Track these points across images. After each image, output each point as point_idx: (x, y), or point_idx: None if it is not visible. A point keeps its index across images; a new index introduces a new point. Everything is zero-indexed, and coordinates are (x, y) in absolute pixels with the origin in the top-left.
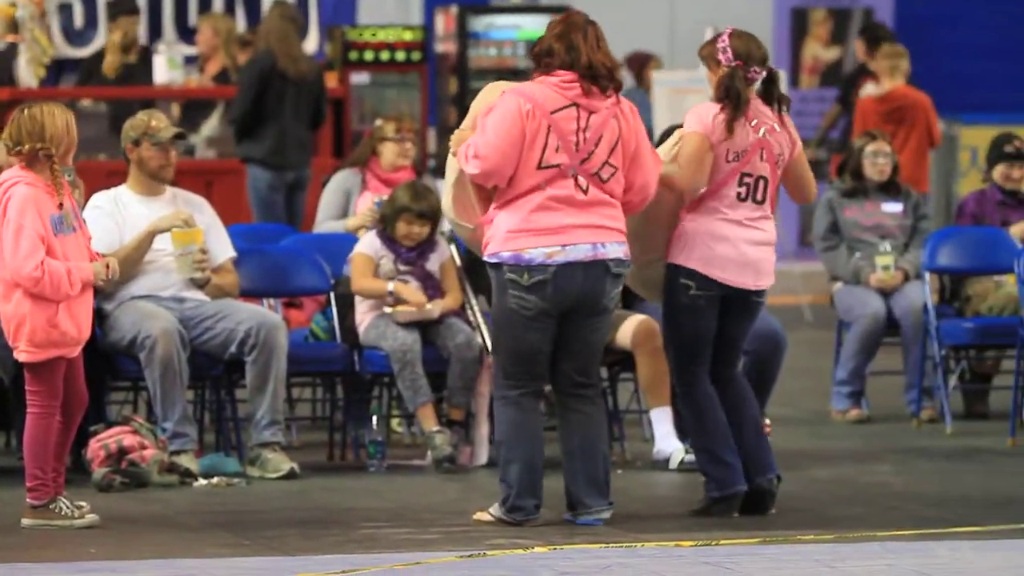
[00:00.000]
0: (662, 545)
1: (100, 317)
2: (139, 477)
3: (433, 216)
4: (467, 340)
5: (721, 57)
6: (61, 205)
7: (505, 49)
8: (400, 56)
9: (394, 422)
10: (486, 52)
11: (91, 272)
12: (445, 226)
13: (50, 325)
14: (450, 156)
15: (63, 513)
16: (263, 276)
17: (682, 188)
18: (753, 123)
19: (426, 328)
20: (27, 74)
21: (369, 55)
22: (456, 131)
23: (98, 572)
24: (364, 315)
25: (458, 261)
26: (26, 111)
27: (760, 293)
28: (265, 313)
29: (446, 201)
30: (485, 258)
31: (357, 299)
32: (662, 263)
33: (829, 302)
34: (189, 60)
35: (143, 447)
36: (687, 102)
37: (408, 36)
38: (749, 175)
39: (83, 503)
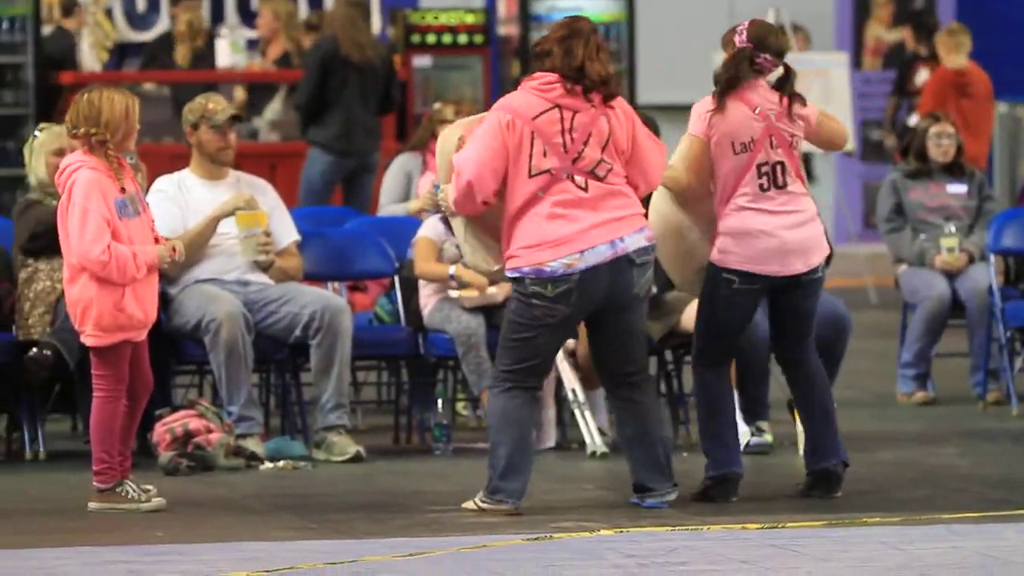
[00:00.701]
0: (728, 528)
1: (165, 301)
2: (205, 461)
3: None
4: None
5: (736, 39)
6: (123, 189)
7: None
8: (462, 39)
9: (459, 405)
10: None
11: (156, 255)
12: None
13: (116, 309)
14: (452, 220)
15: (130, 497)
16: (327, 259)
17: (680, 189)
18: (756, 110)
19: (490, 311)
20: (90, 58)
21: (431, 38)
22: (440, 192)
23: (165, 555)
24: (428, 298)
25: None
26: (86, 96)
27: (814, 270)
28: (330, 296)
29: (467, 256)
30: (507, 273)
31: (421, 282)
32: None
33: (894, 284)
34: (251, 44)
35: (209, 431)
36: None
37: (470, 19)
38: (765, 163)
39: (149, 486)
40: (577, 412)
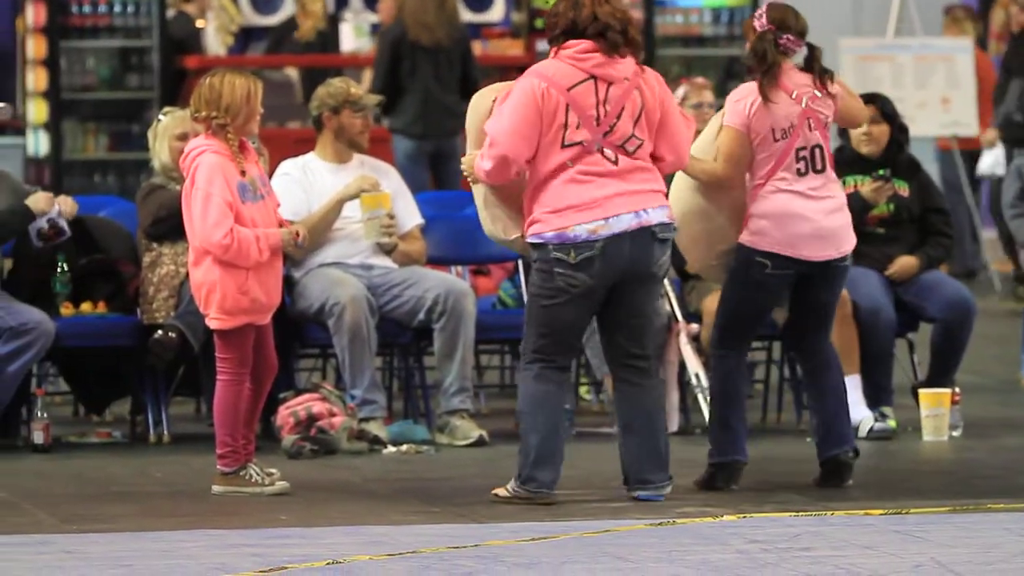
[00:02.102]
0: (851, 514)
1: (289, 284)
2: (328, 444)
3: None
4: (655, 309)
5: (756, 24)
6: (243, 172)
7: (692, 16)
8: None
9: (582, 389)
10: (672, 19)
11: (279, 238)
12: None
13: (240, 292)
14: (473, 186)
15: (253, 480)
16: (451, 243)
17: (720, 181)
18: (793, 95)
19: None
20: (215, 42)
21: None
22: (465, 158)
23: (288, 539)
24: None
25: None
26: (208, 79)
27: (842, 259)
28: (453, 280)
29: (486, 226)
30: (528, 240)
31: None
32: (731, 254)
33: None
34: (375, 28)
35: (332, 414)
36: (874, 70)
37: None
38: (803, 148)
39: (273, 470)
40: (700, 397)
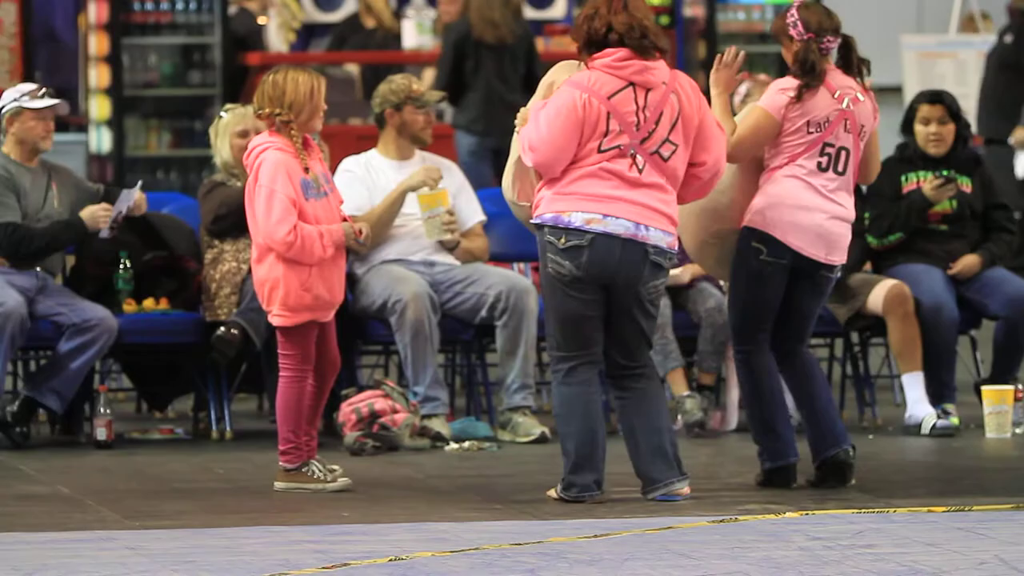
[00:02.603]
0: (914, 511)
1: (351, 281)
2: (390, 441)
3: None
4: (717, 305)
5: (793, 32)
6: (307, 169)
7: (754, 13)
8: None
9: None
10: (735, 16)
11: (343, 234)
12: None
13: (303, 289)
14: (515, 134)
15: (316, 476)
16: (513, 240)
17: (728, 154)
18: (836, 94)
19: (676, 293)
20: (277, 39)
21: None
22: (523, 108)
23: (350, 535)
24: None
25: None
26: (271, 76)
27: (831, 268)
28: (515, 277)
29: (506, 180)
30: (532, 220)
31: None
32: (733, 237)
33: None
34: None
35: (395, 411)
36: (937, 67)
37: (657, 0)
38: (831, 145)
39: (335, 466)
40: None
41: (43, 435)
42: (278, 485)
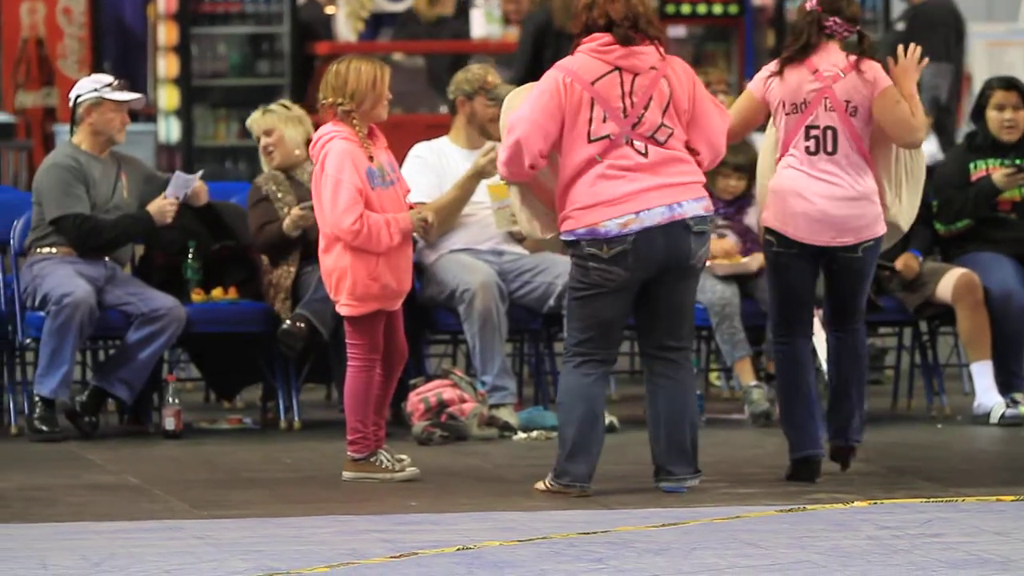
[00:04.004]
0: (982, 500)
1: (419, 271)
2: (458, 430)
3: (750, 169)
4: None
5: (807, 4)
6: (372, 158)
7: None
8: (717, 9)
9: (712, 375)
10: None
11: (409, 222)
12: None
13: (371, 278)
14: (508, 187)
15: (384, 466)
16: None
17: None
18: (815, 72)
19: (745, 282)
20: (346, 28)
21: (686, 8)
22: (490, 143)
23: (419, 525)
24: None
25: None
26: (335, 66)
27: (852, 249)
28: None
29: (523, 225)
30: (562, 237)
31: None
32: None
33: None
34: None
35: (462, 400)
36: (1006, 55)
37: None
38: (815, 127)
39: (403, 456)
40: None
41: (112, 425)
42: (346, 475)
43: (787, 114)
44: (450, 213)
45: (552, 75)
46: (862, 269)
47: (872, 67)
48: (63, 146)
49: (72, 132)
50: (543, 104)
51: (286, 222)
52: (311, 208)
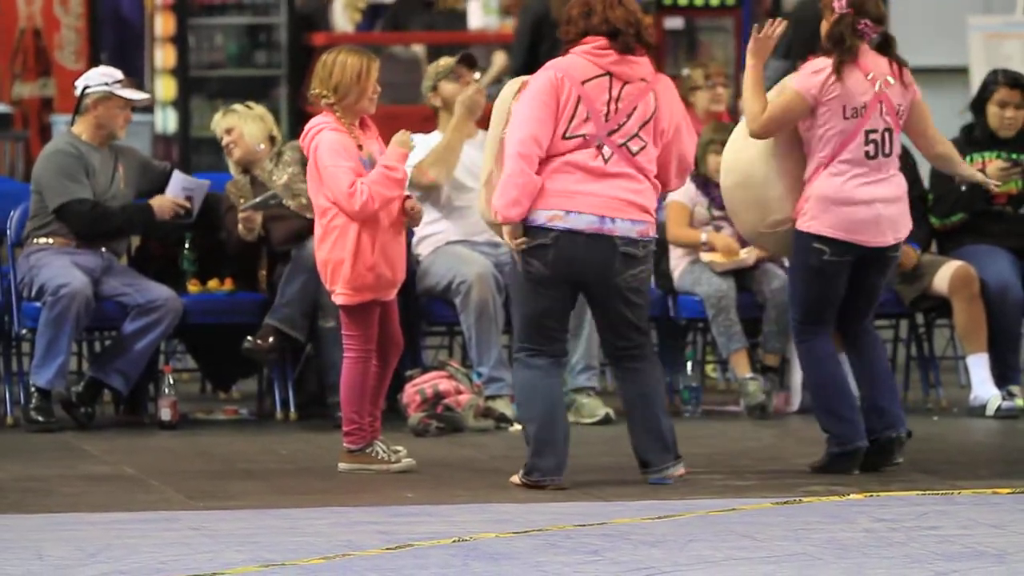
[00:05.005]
0: (979, 492)
1: (415, 262)
2: (454, 422)
3: None
4: (782, 286)
5: (835, 5)
6: (360, 147)
7: None
8: (714, 0)
9: (709, 367)
10: None
11: (395, 150)
12: None
13: (365, 268)
14: (484, 157)
15: (379, 457)
16: None
17: (754, 130)
18: (869, 76)
19: (741, 274)
20: (343, 19)
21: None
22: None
23: (414, 516)
24: (679, 261)
25: None
26: (324, 57)
27: (896, 247)
28: None
29: (480, 205)
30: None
31: (672, 245)
32: (789, 224)
33: None
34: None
35: (459, 392)
36: (1004, 48)
37: None
38: (874, 131)
39: (399, 447)
40: None
41: (108, 415)
42: (342, 466)
43: (846, 118)
44: (449, 154)
45: (545, 73)
46: (896, 264)
47: (908, 72)
48: (63, 135)
49: (73, 121)
50: (543, 101)
51: (239, 228)
52: (255, 206)
